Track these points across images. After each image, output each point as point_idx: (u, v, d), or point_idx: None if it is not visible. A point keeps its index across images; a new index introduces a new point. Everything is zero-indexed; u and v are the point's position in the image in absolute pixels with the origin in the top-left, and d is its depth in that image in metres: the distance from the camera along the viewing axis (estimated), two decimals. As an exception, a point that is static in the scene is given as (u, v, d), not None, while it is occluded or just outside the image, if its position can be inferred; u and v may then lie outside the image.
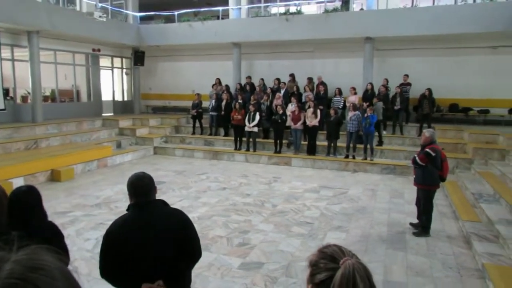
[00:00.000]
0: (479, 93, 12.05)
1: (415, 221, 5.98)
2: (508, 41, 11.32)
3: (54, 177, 8.89)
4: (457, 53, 12.19)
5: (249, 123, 11.29)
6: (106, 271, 2.22)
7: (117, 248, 2.18)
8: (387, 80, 11.89)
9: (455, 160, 9.40)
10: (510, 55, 11.39)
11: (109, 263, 2.21)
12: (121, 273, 2.19)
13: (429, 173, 5.58)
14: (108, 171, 10.02)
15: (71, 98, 14.43)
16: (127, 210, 2.32)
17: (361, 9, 13.45)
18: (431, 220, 5.76)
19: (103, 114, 14.95)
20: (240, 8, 14.42)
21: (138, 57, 15.40)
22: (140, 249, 2.17)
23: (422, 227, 5.75)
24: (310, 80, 12.69)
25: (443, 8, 11.46)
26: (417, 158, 5.61)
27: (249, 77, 13.55)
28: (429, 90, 11.13)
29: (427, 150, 5.52)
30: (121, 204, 7.06)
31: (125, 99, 16.71)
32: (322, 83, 12.27)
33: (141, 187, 2.28)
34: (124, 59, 16.38)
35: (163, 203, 2.36)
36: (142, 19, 15.96)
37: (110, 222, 2.21)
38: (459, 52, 12.15)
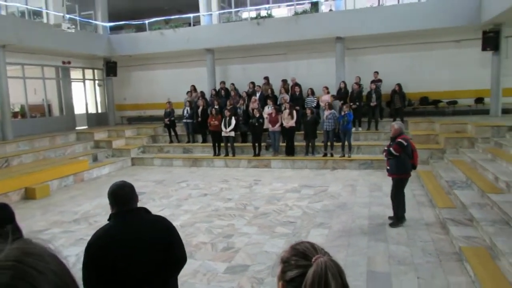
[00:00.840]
0: (446, 85, 12.51)
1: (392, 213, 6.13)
2: (470, 35, 11.79)
3: (29, 195, 8.61)
4: (423, 48, 12.62)
5: (226, 128, 11.30)
6: (90, 285, 2.17)
7: (99, 260, 2.14)
8: (359, 78, 12.15)
9: (428, 151, 9.70)
10: (472, 48, 11.86)
11: (92, 276, 2.15)
12: (105, 284, 2.15)
13: (402, 162, 5.78)
14: (85, 185, 9.80)
15: (42, 113, 14.06)
16: (108, 220, 2.29)
17: (330, 10, 13.71)
18: (404, 208, 5.95)
19: (76, 128, 14.63)
20: (211, 14, 14.45)
21: (110, 68, 15.16)
22: (123, 259, 2.14)
23: (397, 217, 5.91)
24: (284, 82, 12.83)
25: (407, 5, 11.86)
26: (391, 149, 5.78)
27: (223, 82, 13.57)
28: (399, 85, 11.50)
29: (400, 140, 5.72)
30: (100, 218, 6.92)
31: (99, 111, 16.40)
32: (296, 84, 12.43)
33: (122, 196, 2.27)
34: (96, 71, 16.09)
35: (145, 211, 2.34)
36: (112, 29, 15.74)
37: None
38: (425, 47, 12.58)
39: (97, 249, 2.16)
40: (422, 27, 11.36)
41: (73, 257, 5.23)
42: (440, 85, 12.54)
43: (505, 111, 11.57)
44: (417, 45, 12.60)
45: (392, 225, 5.86)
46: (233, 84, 13.36)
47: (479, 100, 12.21)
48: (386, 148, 5.94)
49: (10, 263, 0.54)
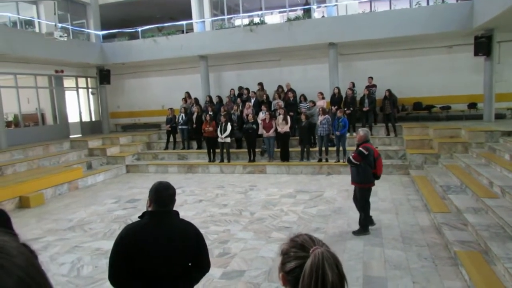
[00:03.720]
0: (439, 90, 12.64)
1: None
2: (462, 40, 11.97)
3: (23, 204, 8.57)
4: (416, 54, 12.76)
5: (221, 134, 11.33)
6: (115, 278, 2.19)
7: (129, 254, 2.16)
8: (353, 84, 12.26)
9: (423, 156, 9.78)
10: (465, 53, 12.02)
11: (119, 268, 2.18)
12: (130, 280, 2.18)
13: (363, 171, 5.72)
14: (80, 193, 9.76)
15: (36, 122, 14.01)
16: (140, 217, 2.32)
17: (323, 16, 13.85)
18: (368, 217, 5.91)
19: (70, 136, 14.59)
20: (204, 21, 14.54)
21: (103, 76, 15.16)
22: (153, 258, 2.17)
23: (361, 225, 5.87)
24: (279, 87, 12.90)
25: (399, 12, 11.99)
26: (350, 157, 5.76)
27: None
28: (389, 91, 11.57)
29: (360, 149, 5.67)
30: (95, 225, 6.91)
31: (93, 119, 16.37)
32: (290, 90, 12.51)
33: (165, 197, 2.31)
34: (89, 79, 16.09)
35: (177, 214, 2.38)
36: (105, 37, 15.76)
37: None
38: (418, 52, 12.73)
39: (129, 243, 2.18)
40: (414, 32, 11.50)
41: (68, 264, 5.21)
42: (433, 90, 12.68)
43: (498, 116, 11.70)
44: (410, 50, 12.75)
45: (356, 233, 5.81)
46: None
47: (472, 105, 12.34)
48: (349, 155, 5.92)
49: None
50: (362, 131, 5.87)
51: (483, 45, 11.10)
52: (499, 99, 11.59)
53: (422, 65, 12.74)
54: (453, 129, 10.44)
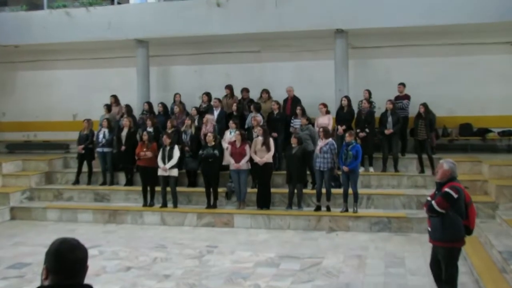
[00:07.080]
0: (498, 108, 13.01)
1: None
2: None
3: None
4: (465, 52, 13.12)
5: (164, 164, 11.25)
6: None
7: None
8: (369, 92, 12.46)
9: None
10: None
11: None
12: None
13: (451, 224, 5.78)
14: None
15: None
16: None
17: (327, -10, 14.20)
18: None
19: None
20: (146, -12, 14.67)
21: (-18, 65, 14.95)
22: None
23: None
24: (262, 92, 12.90)
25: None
26: (433, 202, 5.82)
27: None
28: (425, 106, 11.75)
29: (447, 190, 5.74)
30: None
31: (-39, 131, 16.04)
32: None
33: (70, 262, 2.24)
34: (-42, 68, 15.86)
35: None
36: (-11, 4, 15.65)
37: None
38: (468, 50, 13.10)
39: None
40: (463, 21, 11.79)
41: None
42: (489, 107, 13.05)
43: None
44: (454, 46, 13.15)
45: None
46: (178, 94, 13.48)
47: (545, 131, 12.81)
48: (429, 199, 6.00)
49: None
50: (446, 164, 5.92)
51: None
52: None
53: (471, 69, 13.11)
54: (518, 166, 10.76)
